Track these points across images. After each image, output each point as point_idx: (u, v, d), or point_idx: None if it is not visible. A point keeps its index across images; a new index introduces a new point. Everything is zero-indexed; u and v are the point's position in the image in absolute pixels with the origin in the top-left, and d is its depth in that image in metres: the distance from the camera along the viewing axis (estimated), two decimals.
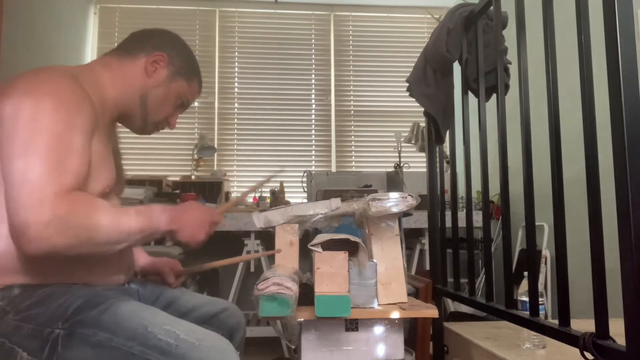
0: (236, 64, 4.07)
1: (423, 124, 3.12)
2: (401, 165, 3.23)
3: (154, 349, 0.88)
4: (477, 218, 2.74)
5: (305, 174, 3.36)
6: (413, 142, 3.46)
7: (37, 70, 0.99)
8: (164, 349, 0.88)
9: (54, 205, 0.85)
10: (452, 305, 2.82)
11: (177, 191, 3.14)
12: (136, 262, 1.28)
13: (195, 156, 3.63)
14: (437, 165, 1.91)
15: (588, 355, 0.96)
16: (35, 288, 0.95)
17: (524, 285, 1.46)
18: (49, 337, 0.88)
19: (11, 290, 0.94)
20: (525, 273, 1.41)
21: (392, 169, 3.28)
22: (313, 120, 4.10)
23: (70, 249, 0.87)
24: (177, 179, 3.37)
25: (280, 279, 1.03)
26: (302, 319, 1.14)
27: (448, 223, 1.81)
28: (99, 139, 1.02)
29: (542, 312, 1.22)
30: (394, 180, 3.18)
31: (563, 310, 1.09)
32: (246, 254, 2.76)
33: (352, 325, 1.18)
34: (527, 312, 1.23)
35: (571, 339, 1.02)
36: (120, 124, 1.22)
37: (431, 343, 1.80)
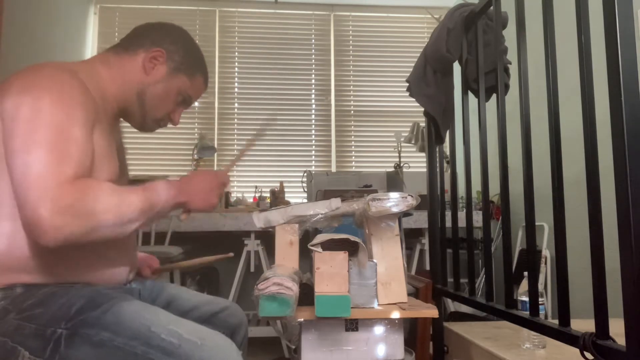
0: (236, 64, 4.07)
1: (423, 124, 3.12)
2: (401, 165, 3.24)
3: (157, 349, 0.88)
4: (477, 218, 2.75)
5: (305, 174, 3.36)
6: (413, 142, 3.46)
7: (35, 66, 0.99)
8: (167, 349, 0.88)
9: (62, 194, 0.85)
10: (452, 305, 2.82)
11: None
12: None
13: (195, 156, 3.63)
14: (437, 165, 1.91)
15: (588, 355, 0.96)
16: (38, 287, 0.95)
17: (524, 285, 1.46)
18: (51, 336, 0.88)
19: (13, 290, 0.94)
20: (525, 273, 1.41)
21: (392, 169, 3.28)
22: (313, 120, 4.10)
23: (86, 234, 0.87)
24: (177, 179, 3.37)
25: (281, 279, 1.03)
26: (302, 319, 1.14)
27: (448, 223, 1.81)
28: (100, 133, 1.02)
29: (542, 312, 1.22)
30: (394, 180, 3.18)
31: (563, 310, 1.09)
32: (245, 253, 2.81)
33: (352, 325, 1.18)
34: (527, 312, 1.23)
35: (571, 339, 1.02)
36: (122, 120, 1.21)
37: (431, 343, 1.80)
